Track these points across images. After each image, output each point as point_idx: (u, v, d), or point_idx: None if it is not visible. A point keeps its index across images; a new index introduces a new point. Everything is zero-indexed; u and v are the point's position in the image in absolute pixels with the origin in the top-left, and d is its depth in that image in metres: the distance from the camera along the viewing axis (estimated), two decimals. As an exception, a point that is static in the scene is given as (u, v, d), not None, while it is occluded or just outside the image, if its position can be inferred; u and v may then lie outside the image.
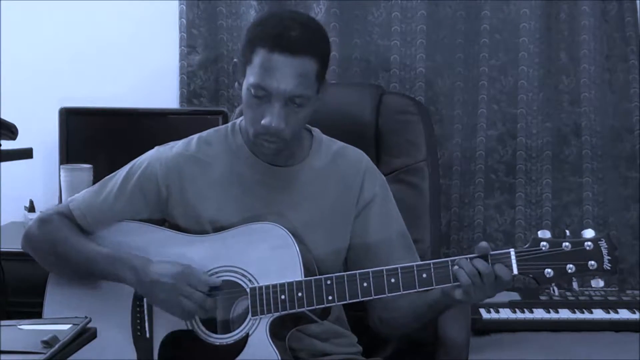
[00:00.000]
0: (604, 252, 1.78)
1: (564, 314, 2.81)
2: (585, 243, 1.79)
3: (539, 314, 2.80)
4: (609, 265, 1.78)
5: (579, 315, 2.80)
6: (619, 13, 3.02)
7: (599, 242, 1.79)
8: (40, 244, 2.05)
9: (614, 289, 2.96)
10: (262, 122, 1.87)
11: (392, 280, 1.85)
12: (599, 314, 2.81)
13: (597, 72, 3.04)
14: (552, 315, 2.80)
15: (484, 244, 1.83)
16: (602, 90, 3.05)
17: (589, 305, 2.84)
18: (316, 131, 2.07)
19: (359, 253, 2.04)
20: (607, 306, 2.84)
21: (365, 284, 1.86)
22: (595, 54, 3.03)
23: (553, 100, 3.09)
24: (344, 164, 2.06)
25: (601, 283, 1.79)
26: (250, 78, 1.88)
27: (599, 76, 3.04)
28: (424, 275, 1.84)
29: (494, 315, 2.80)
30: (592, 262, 1.78)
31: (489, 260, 1.81)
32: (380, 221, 2.05)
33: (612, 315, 2.80)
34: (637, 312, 2.81)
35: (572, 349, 2.65)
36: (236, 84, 1.97)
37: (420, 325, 2.05)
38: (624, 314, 2.80)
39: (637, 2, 3.02)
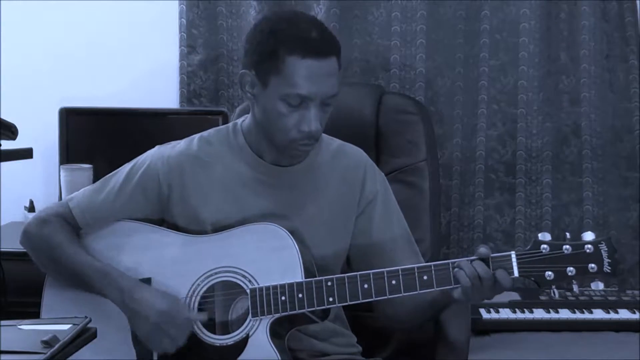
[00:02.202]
0: (604, 255, 1.78)
1: (564, 314, 2.80)
2: (586, 246, 1.79)
3: (539, 314, 2.80)
4: (609, 268, 1.78)
5: (579, 315, 2.80)
6: (619, 13, 3.02)
7: (599, 245, 1.79)
8: (37, 244, 2.04)
9: (614, 289, 2.95)
10: (303, 128, 1.88)
11: (393, 282, 1.85)
12: (599, 314, 2.81)
13: (597, 72, 3.04)
14: (552, 315, 2.79)
15: (483, 249, 1.83)
16: (602, 90, 3.05)
17: (589, 305, 2.83)
18: None
19: (362, 252, 2.04)
20: (607, 306, 2.83)
21: (366, 286, 1.86)
22: (595, 54, 3.03)
23: (553, 100, 3.09)
24: (344, 162, 2.06)
25: (601, 285, 1.80)
26: (284, 89, 1.86)
27: (599, 76, 3.04)
28: (425, 277, 1.84)
29: (494, 315, 2.79)
30: (592, 265, 1.78)
31: (490, 263, 1.81)
32: (383, 219, 2.05)
33: (612, 315, 2.79)
34: (637, 312, 2.80)
35: (572, 349, 2.65)
36: (248, 94, 1.94)
37: (422, 321, 2.06)
38: (624, 314, 2.80)
39: (637, 2, 3.02)
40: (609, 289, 2.93)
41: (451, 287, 1.83)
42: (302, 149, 1.93)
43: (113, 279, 1.94)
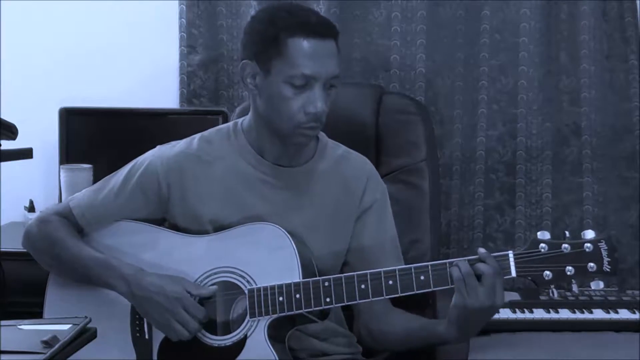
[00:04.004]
0: (604, 253, 1.77)
1: (564, 314, 2.80)
2: (585, 245, 1.78)
3: (539, 314, 2.80)
4: (609, 267, 1.76)
5: (579, 315, 2.80)
6: (619, 13, 3.02)
7: (599, 244, 1.78)
8: (39, 243, 2.05)
9: (614, 289, 2.95)
10: (309, 109, 1.88)
11: (390, 282, 1.84)
12: (599, 314, 2.80)
13: (597, 72, 3.03)
14: (552, 315, 2.79)
15: (482, 249, 1.84)
16: (602, 90, 3.05)
17: (589, 305, 2.83)
18: (322, 134, 2.07)
19: (352, 256, 2.04)
20: (607, 306, 2.83)
21: (363, 286, 1.86)
22: (595, 54, 3.03)
23: (553, 100, 3.08)
24: (347, 169, 2.06)
25: (601, 284, 1.78)
26: (288, 70, 1.87)
27: (599, 76, 3.04)
28: (422, 278, 1.83)
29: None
30: (592, 264, 1.77)
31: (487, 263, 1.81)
32: (377, 226, 2.05)
33: (612, 315, 2.79)
34: (637, 312, 2.80)
35: (572, 349, 2.65)
36: (250, 85, 1.94)
37: (407, 348, 2.05)
38: (624, 314, 2.80)
39: (637, 2, 3.02)
40: (609, 289, 2.93)
41: (448, 286, 1.82)
42: (308, 133, 1.93)
43: (116, 269, 1.94)
